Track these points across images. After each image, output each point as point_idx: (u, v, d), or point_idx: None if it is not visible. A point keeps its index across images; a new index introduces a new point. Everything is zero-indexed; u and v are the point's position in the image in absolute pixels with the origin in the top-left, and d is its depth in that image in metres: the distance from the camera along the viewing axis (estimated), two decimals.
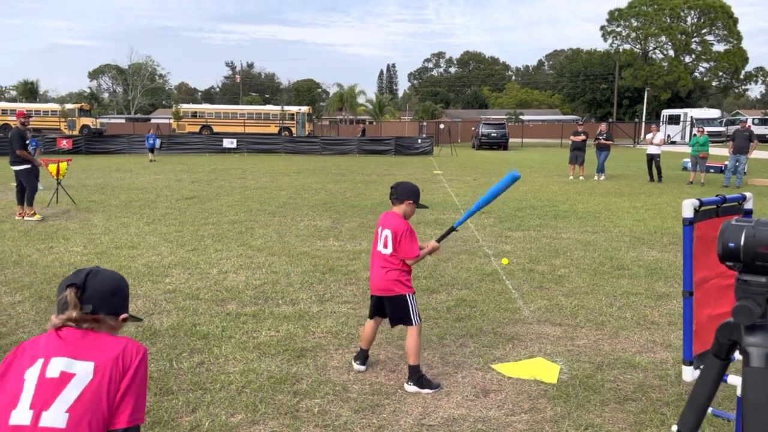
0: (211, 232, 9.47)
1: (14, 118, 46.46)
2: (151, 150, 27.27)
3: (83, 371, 1.79)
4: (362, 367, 4.36)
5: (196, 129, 46.94)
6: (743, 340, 1.36)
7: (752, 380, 1.28)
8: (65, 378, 1.78)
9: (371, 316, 4.33)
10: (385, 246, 4.07)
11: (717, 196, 3.35)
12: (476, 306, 5.82)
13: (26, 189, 10.63)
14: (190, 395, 3.93)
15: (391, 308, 4.12)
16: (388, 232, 4.06)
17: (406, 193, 4.13)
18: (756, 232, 1.34)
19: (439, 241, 4.23)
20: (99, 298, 1.92)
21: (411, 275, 4.16)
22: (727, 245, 1.36)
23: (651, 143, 18.25)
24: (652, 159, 18.10)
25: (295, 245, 8.53)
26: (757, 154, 26.30)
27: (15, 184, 10.95)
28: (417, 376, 4.04)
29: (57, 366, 1.80)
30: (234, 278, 6.77)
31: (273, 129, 47.06)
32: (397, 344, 4.84)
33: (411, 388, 4.03)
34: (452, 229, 4.26)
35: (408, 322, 4.06)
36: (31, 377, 1.78)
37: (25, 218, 10.51)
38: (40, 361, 1.81)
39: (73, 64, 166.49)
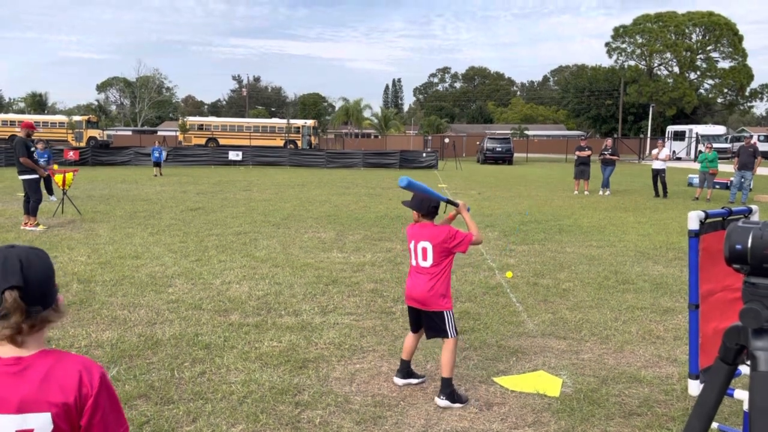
0: (215, 243, 9.47)
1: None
2: (157, 164, 24.98)
3: (42, 422, 1.46)
4: (401, 381, 4.26)
5: (202, 141, 47.18)
6: (751, 344, 1.33)
7: (760, 385, 1.25)
8: None
9: (414, 330, 4.23)
10: (425, 258, 3.98)
11: (723, 208, 3.33)
12: (480, 319, 5.79)
13: (30, 199, 10.66)
14: (191, 405, 3.90)
15: (428, 321, 4.06)
16: (427, 245, 3.96)
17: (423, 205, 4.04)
18: (763, 233, 1.32)
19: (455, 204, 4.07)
20: (42, 293, 1.51)
21: (450, 289, 4.08)
22: (734, 247, 1.34)
23: (656, 158, 18.23)
24: (657, 174, 18.06)
25: (298, 257, 8.52)
26: (762, 170, 26.23)
27: (22, 194, 11.00)
28: (449, 390, 3.96)
29: (7, 428, 1.45)
30: (237, 289, 6.76)
31: (279, 142, 47.27)
32: (400, 356, 4.80)
33: (443, 402, 3.94)
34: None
35: (444, 335, 4.00)
36: None
37: (28, 228, 10.52)
38: None
39: (82, 77, 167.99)
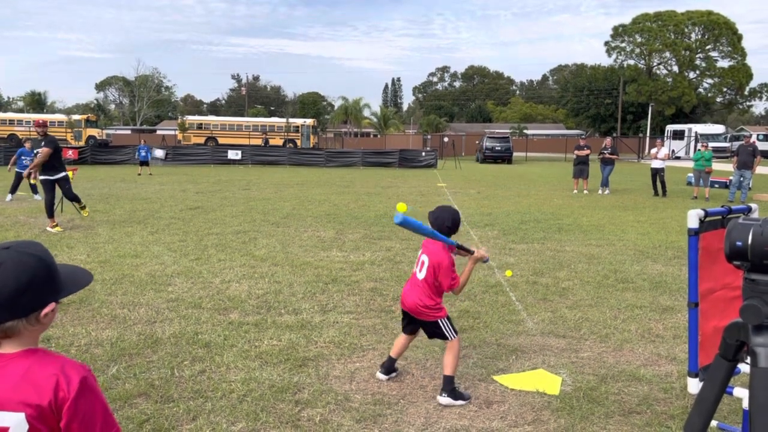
0: (214, 242, 9.47)
1: (21, 129, 46.68)
2: (143, 163, 25.13)
3: (16, 422, 1.44)
4: (384, 377, 4.32)
5: (202, 140, 47.19)
6: (751, 340, 1.34)
7: (761, 381, 1.26)
8: None
9: (407, 332, 4.29)
10: (421, 270, 4.05)
11: (722, 206, 3.33)
12: (479, 317, 5.79)
13: (45, 199, 10.43)
14: (191, 403, 3.90)
15: (425, 328, 4.16)
16: (425, 258, 4.03)
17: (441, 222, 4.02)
18: (764, 230, 1.32)
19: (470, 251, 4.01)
20: (8, 304, 1.44)
21: (442, 297, 4.13)
22: (735, 244, 1.35)
23: (655, 158, 18.25)
24: (656, 173, 18.08)
25: (298, 255, 8.52)
26: (761, 169, 26.25)
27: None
28: (451, 388, 4.00)
29: None
30: (237, 287, 6.76)
31: (278, 141, 47.23)
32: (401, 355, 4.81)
33: (444, 399, 3.97)
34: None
35: (444, 338, 4.08)
36: None
37: (48, 229, 10.32)
38: None
39: (81, 76, 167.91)
